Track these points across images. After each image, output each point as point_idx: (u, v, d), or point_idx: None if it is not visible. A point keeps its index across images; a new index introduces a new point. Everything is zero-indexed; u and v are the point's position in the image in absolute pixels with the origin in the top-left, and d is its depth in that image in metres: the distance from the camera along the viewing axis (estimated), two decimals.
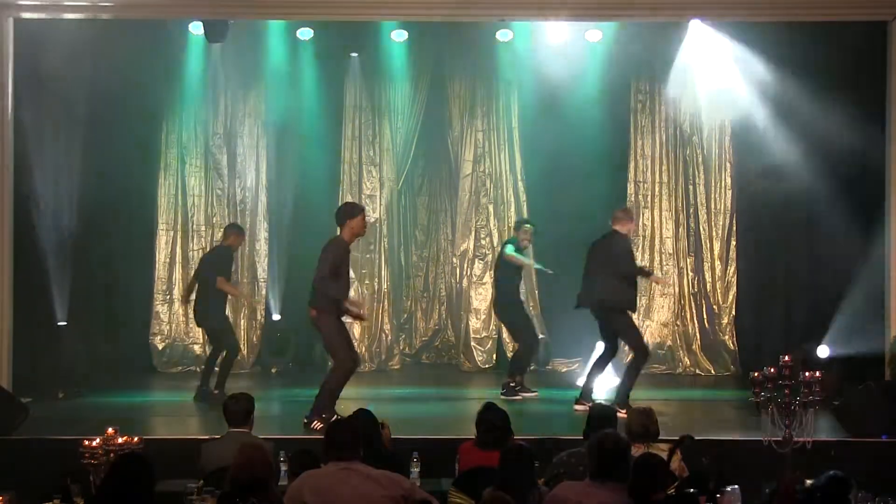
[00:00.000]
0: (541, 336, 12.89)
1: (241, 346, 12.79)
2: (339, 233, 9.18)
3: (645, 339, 10.18)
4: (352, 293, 12.82)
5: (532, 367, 12.71)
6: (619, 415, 9.52)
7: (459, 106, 13.10)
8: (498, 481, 5.50)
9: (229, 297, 11.18)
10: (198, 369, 12.57)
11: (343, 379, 9.19)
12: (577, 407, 9.72)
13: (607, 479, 5.24)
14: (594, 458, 5.32)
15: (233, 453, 5.54)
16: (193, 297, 10.76)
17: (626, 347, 10.48)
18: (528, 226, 11.20)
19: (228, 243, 10.90)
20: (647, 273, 10.74)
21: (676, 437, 6.58)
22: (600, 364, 10.09)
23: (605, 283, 9.80)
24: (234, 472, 5.32)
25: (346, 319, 12.65)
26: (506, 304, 11.12)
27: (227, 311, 12.64)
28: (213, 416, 9.21)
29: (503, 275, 11.05)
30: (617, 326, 9.91)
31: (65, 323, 10.99)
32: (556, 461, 6.31)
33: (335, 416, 8.60)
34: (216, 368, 10.66)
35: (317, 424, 8.84)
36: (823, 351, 10.61)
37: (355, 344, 12.71)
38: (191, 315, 12.64)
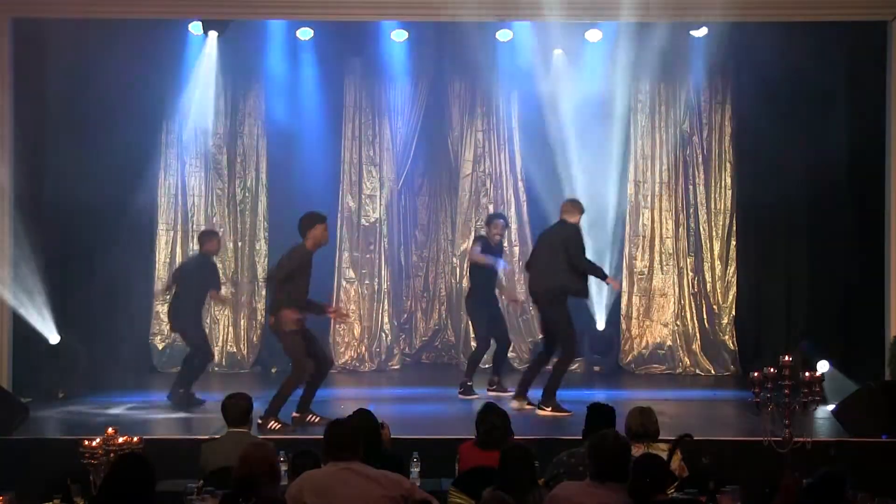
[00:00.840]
0: (541, 336, 12.89)
1: (241, 346, 12.85)
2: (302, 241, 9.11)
3: (576, 339, 10.02)
4: (350, 293, 12.93)
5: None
6: (539, 413, 9.61)
7: (459, 106, 13.11)
8: (498, 481, 5.49)
9: (211, 302, 11.25)
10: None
11: (297, 384, 9.09)
12: (514, 405, 9.71)
13: (607, 479, 5.24)
14: (594, 458, 5.31)
15: (233, 453, 5.54)
16: (169, 297, 10.88)
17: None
18: (500, 220, 11.19)
19: (206, 250, 10.78)
20: (600, 273, 10.14)
21: (676, 438, 6.58)
22: (540, 361, 10.13)
23: (551, 271, 9.74)
24: (236, 471, 5.33)
25: (347, 319, 12.85)
26: (470, 301, 11.18)
27: (227, 313, 12.77)
28: (213, 416, 9.22)
29: (472, 272, 11.12)
30: (551, 317, 9.84)
31: (58, 340, 10.94)
32: (556, 461, 6.31)
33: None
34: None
35: (273, 425, 8.85)
36: (824, 366, 10.59)
37: (355, 344, 12.85)
38: None
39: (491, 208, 12.79)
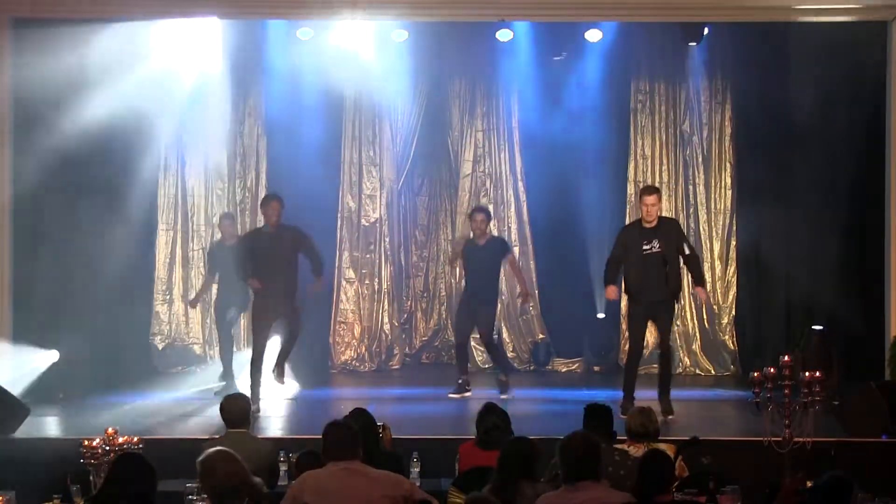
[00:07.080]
0: (541, 336, 12.91)
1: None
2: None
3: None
4: (350, 293, 12.94)
5: (531, 367, 12.79)
6: None
7: (459, 106, 13.10)
8: (496, 477, 5.46)
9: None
10: (198, 369, 12.58)
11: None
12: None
13: (580, 480, 5.17)
14: (564, 461, 5.25)
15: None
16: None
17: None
18: (479, 213, 10.93)
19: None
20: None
21: (675, 437, 6.58)
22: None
23: None
24: (217, 485, 5.19)
25: (347, 319, 12.87)
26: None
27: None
28: (212, 416, 9.22)
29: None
30: None
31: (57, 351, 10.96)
32: (555, 462, 6.29)
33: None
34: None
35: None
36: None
37: (355, 344, 12.87)
38: (191, 314, 12.73)
39: (491, 208, 12.78)
